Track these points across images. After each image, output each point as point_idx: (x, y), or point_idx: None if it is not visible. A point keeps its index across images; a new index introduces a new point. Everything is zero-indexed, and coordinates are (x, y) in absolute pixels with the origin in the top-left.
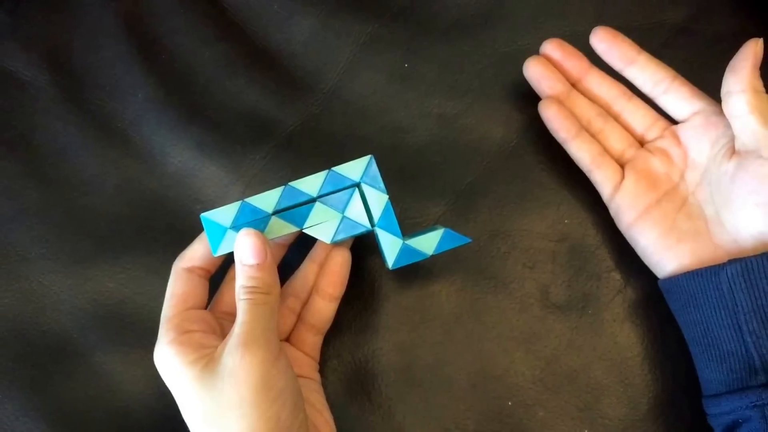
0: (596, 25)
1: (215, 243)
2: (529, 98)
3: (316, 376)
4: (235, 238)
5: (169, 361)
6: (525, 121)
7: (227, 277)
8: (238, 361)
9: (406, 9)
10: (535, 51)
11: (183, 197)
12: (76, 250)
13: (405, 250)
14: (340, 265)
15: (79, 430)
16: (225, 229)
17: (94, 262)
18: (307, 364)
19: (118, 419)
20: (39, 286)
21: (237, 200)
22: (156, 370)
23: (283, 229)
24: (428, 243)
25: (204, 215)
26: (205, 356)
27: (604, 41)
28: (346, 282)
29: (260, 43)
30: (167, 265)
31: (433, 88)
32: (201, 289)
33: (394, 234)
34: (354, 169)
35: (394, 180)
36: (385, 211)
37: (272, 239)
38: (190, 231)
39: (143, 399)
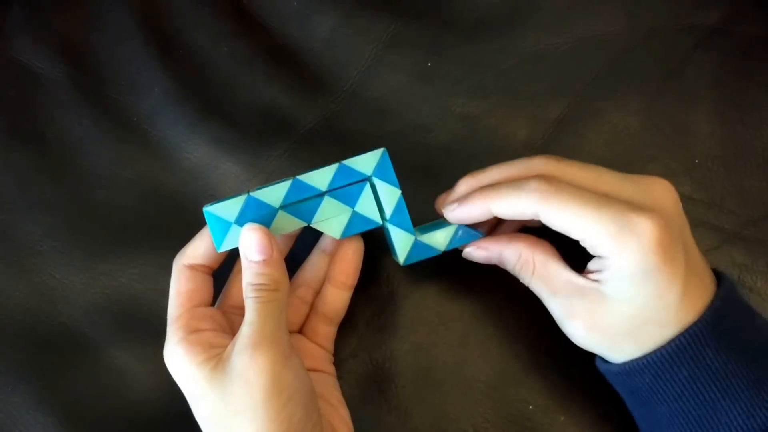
0: (627, 26)
1: (219, 238)
2: (556, 99)
3: (331, 368)
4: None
5: (179, 361)
6: (551, 121)
7: (234, 270)
8: (248, 361)
9: (430, 7)
10: (563, 51)
11: (199, 193)
12: (89, 244)
13: (417, 246)
14: (352, 251)
15: (90, 423)
16: (229, 224)
17: (107, 256)
18: (321, 356)
19: (129, 413)
20: (51, 279)
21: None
22: (166, 366)
23: (290, 224)
24: (441, 238)
25: (207, 208)
26: (215, 356)
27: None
28: (359, 270)
29: (280, 39)
30: None
31: (456, 88)
32: (206, 285)
33: (407, 230)
34: (366, 162)
35: (415, 179)
36: (397, 206)
37: (279, 234)
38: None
39: (154, 394)
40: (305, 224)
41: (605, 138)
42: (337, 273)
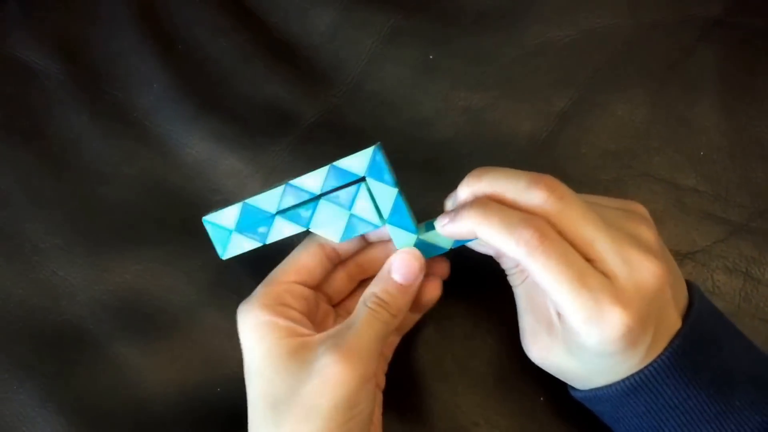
0: (630, 18)
1: (222, 246)
2: (560, 92)
3: (383, 379)
4: (242, 240)
5: (259, 326)
6: (554, 114)
7: (347, 260)
8: (334, 364)
9: (431, 0)
10: (565, 43)
11: (201, 189)
12: (91, 241)
13: (420, 245)
14: (435, 287)
15: (96, 421)
16: (230, 232)
17: (109, 253)
18: (380, 368)
19: (135, 410)
20: (54, 276)
21: (255, 194)
22: (173, 361)
23: (288, 230)
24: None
25: (206, 219)
26: (297, 337)
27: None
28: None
29: (279, 34)
30: (184, 257)
31: (458, 81)
32: (321, 269)
33: (407, 229)
34: (357, 162)
35: (418, 174)
36: (395, 205)
37: (278, 239)
38: None
39: (161, 390)
40: (303, 229)
41: (609, 131)
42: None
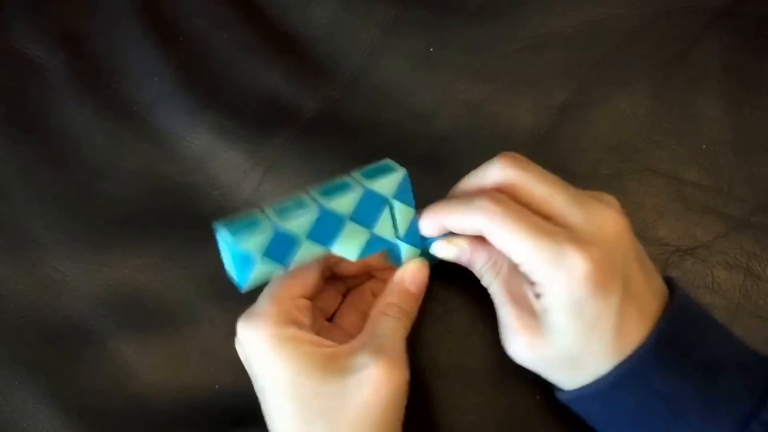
0: (634, 8)
1: (242, 274)
2: (561, 84)
3: None
4: (266, 269)
5: (284, 342)
6: (556, 107)
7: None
8: (380, 371)
9: None
10: (567, 34)
11: (201, 183)
12: (92, 235)
13: (423, 257)
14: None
15: (96, 416)
16: (255, 261)
17: (110, 248)
18: None
19: (135, 406)
20: (55, 272)
21: (256, 186)
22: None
23: (312, 252)
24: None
25: (237, 248)
26: (325, 346)
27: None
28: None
29: (280, 26)
30: (184, 252)
31: (459, 73)
32: (318, 280)
33: (414, 245)
34: (388, 185)
35: (418, 168)
36: (411, 225)
37: (301, 263)
38: (208, 217)
39: (161, 386)
40: (326, 251)
41: (611, 123)
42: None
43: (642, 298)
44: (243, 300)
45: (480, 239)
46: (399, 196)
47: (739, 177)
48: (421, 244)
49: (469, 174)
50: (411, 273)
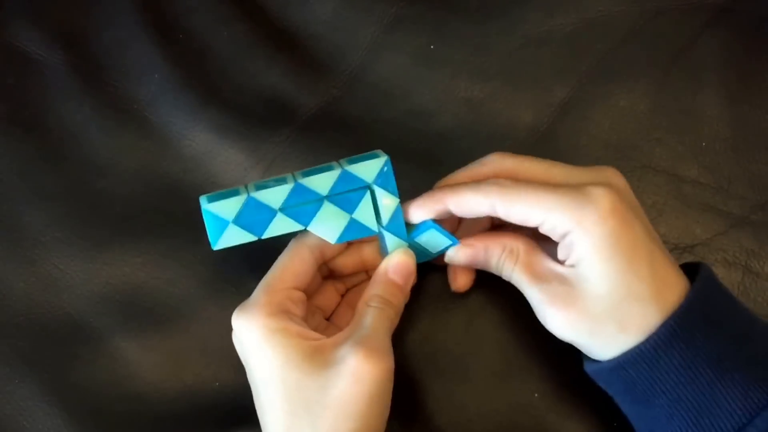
0: (634, 6)
1: (215, 236)
2: (561, 82)
3: None
4: (238, 233)
5: (272, 334)
6: (555, 105)
7: (334, 276)
8: (361, 363)
9: None
10: (567, 32)
11: (201, 181)
12: (92, 233)
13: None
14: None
15: (96, 414)
16: (227, 223)
17: (110, 246)
18: None
19: (135, 404)
20: (55, 270)
21: (255, 181)
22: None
23: (287, 227)
24: (434, 241)
25: (206, 206)
26: (312, 338)
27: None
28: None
29: (280, 23)
30: (184, 250)
31: (459, 71)
32: (313, 273)
33: (400, 236)
34: (368, 169)
35: (418, 165)
36: (394, 214)
37: (274, 236)
38: None
39: (160, 384)
40: (302, 227)
41: (611, 121)
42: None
43: (665, 249)
44: (243, 297)
45: (487, 235)
46: (380, 182)
47: (738, 175)
48: (408, 238)
49: (462, 168)
50: (394, 263)
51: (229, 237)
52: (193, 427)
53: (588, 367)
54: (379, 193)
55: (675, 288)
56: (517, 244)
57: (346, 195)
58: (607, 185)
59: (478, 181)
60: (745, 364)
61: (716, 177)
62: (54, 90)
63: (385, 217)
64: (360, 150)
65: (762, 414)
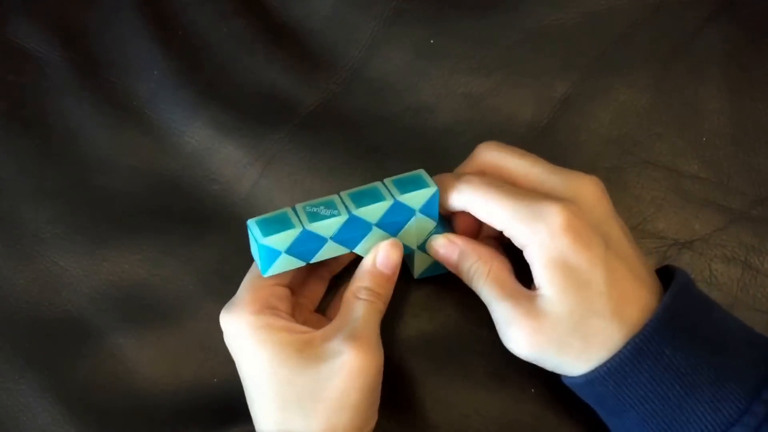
0: (634, 0)
1: (266, 264)
2: (562, 77)
3: None
4: (288, 261)
5: (258, 331)
6: (556, 100)
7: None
8: (354, 357)
9: None
10: (568, 27)
11: (200, 177)
12: (91, 230)
13: (434, 266)
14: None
15: (95, 410)
16: (279, 253)
17: (110, 242)
18: None
19: (135, 400)
20: (55, 267)
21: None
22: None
23: (335, 252)
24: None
25: (261, 241)
26: (300, 332)
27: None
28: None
29: (279, 18)
30: (184, 247)
31: (459, 66)
32: (297, 269)
33: (428, 253)
34: (417, 199)
35: (418, 162)
36: (428, 235)
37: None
38: (207, 212)
39: (160, 380)
40: (348, 251)
41: (612, 116)
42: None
43: (633, 263)
44: None
45: (472, 242)
46: (425, 210)
47: (738, 170)
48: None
49: (457, 168)
50: (382, 255)
51: (280, 265)
52: (192, 422)
53: (563, 379)
54: (421, 218)
55: (639, 303)
56: (492, 260)
57: (394, 221)
58: (566, 202)
59: (458, 176)
60: (716, 377)
61: (716, 172)
62: (53, 86)
63: (420, 239)
64: (360, 146)
65: (733, 429)
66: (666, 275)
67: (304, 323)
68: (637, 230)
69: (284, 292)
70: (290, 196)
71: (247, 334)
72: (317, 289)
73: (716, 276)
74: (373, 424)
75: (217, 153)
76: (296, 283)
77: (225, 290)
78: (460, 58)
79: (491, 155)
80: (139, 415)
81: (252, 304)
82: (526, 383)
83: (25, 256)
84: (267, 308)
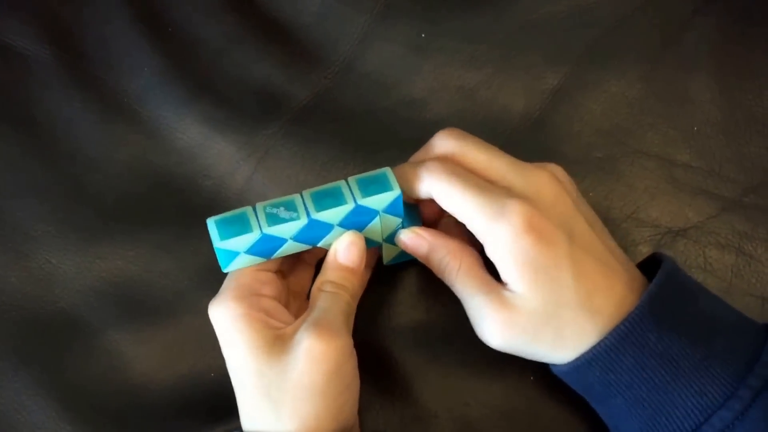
0: None
1: (225, 262)
2: (553, 69)
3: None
4: (248, 259)
5: (236, 319)
6: (548, 91)
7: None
8: (314, 342)
9: None
10: (558, 19)
11: (192, 174)
12: (83, 227)
13: (403, 253)
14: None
15: (91, 407)
16: (238, 253)
17: (102, 239)
18: None
19: (130, 397)
20: (47, 264)
21: (249, 175)
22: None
23: (296, 249)
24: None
25: (217, 244)
26: (274, 327)
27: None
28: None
29: (270, 13)
30: (177, 242)
31: (451, 59)
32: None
33: (395, 244)
34: (380, 201)
35: (411, 155)
36: (395, 230)
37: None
38: (200, 208)
39: (155, 376)
40: (310, 247)
41: (603, 107)
42: None
43: (601, 254)
44: None
45: (442, 235)
46: (389, 210)
47: (729, 158)
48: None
49: (416, 153)
50: (343, 249)
51: (240, 262)
52: (189, 418)
53: (551, 368)
54: (385, 216)
55: (609, 292)
56: (462, 253)
57: (356, 221)
58: (526, 199)
59: (421, 163)
60: (701, 362)
61: (708, 161)
62: (42, 84)
63: (386, 233)
64: (353, 140)
65: (718, 413)
66: (654, 263)
67: (297, 311)
68: (631, 219)
69: (268, 276)
70: (284, 191)
71: (226, 322)
72: (305, 276)
73: (711, 263)
74: (352, 413)
75: (210, 149)
76: (286, 268)
77: (219, 285)
78: (451, 51)
79: (452, 144)
80: (134, 411)
81: (235, 290)
82: (525, 371)
83: (17, 254)
84: (251, 294)
